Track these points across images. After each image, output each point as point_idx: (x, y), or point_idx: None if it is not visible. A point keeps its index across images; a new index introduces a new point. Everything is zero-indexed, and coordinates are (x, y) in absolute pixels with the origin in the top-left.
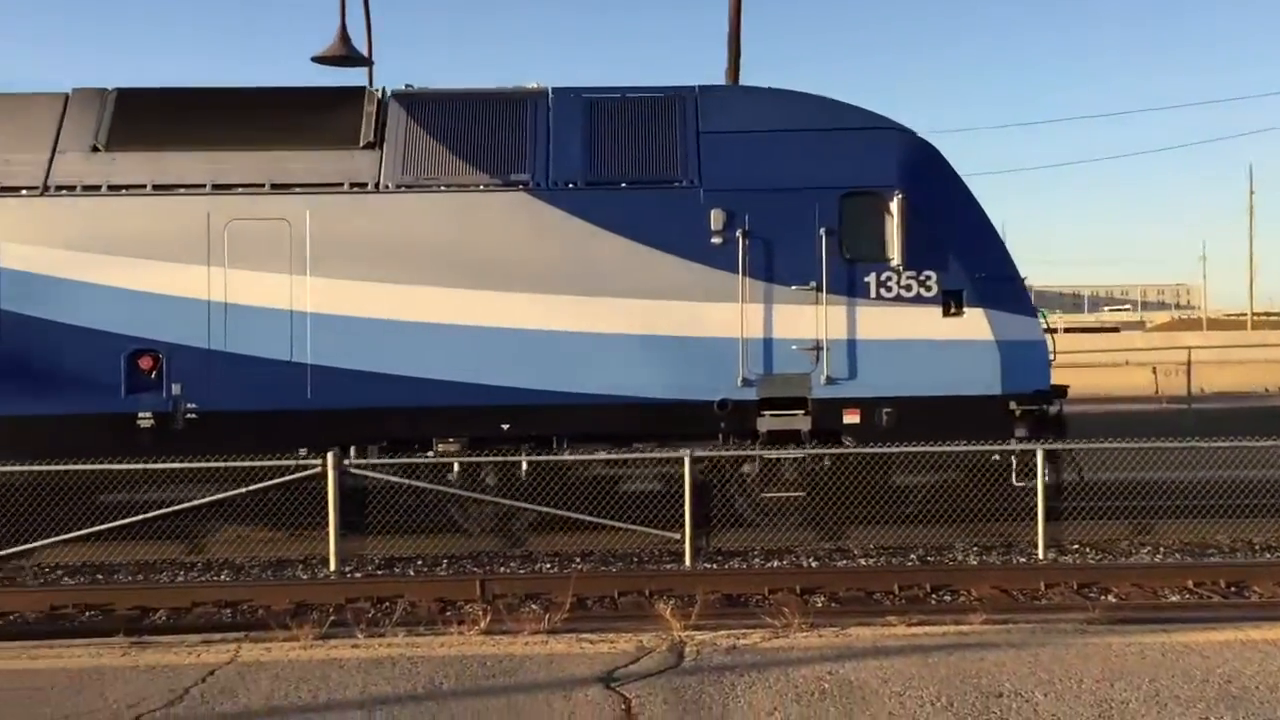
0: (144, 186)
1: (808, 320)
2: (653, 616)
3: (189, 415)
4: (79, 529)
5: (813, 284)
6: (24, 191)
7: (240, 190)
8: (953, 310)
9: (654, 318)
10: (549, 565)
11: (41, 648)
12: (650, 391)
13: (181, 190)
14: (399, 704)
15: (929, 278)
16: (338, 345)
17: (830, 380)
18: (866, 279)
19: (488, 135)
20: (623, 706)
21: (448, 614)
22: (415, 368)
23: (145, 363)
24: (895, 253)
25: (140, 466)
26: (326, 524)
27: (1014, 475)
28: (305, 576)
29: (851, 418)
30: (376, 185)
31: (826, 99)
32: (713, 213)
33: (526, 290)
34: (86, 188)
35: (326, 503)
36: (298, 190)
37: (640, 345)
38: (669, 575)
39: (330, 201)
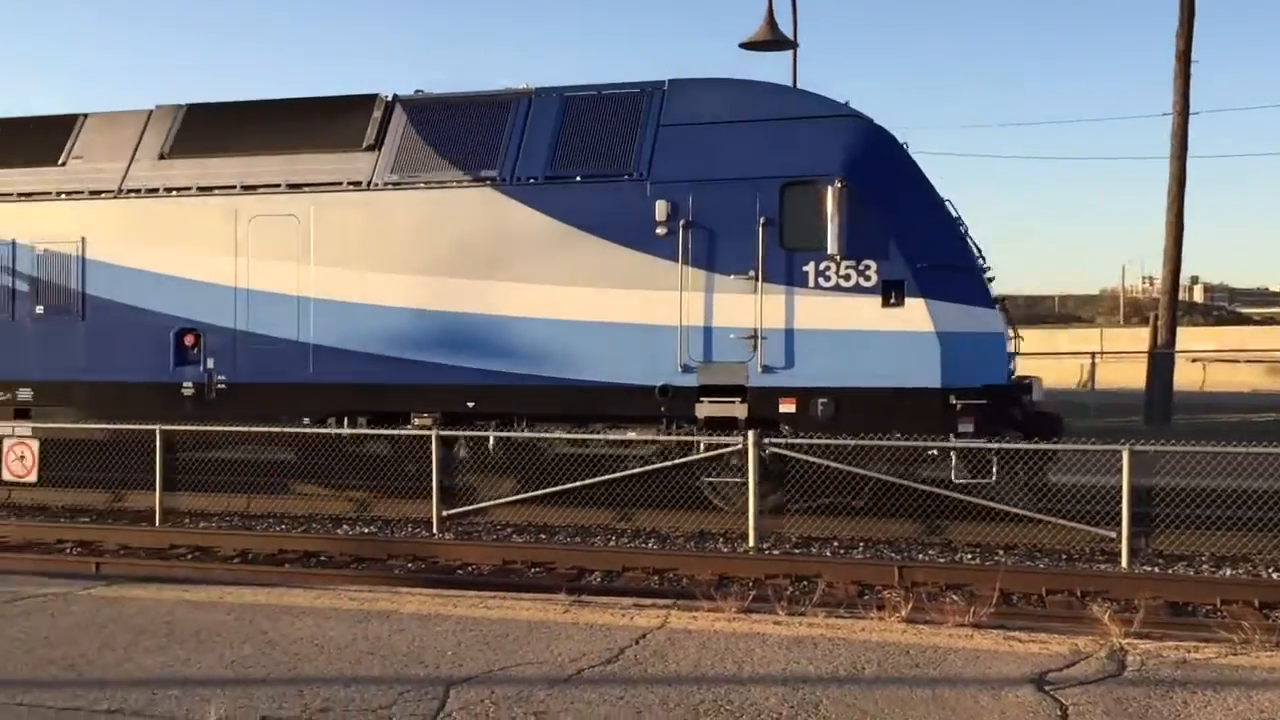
0: (190, 189)
1: (746, 309)
2: (1086, 619)
3: (219, 386)
4: (526, 490)
5: (751, 273)
6: (105, 195)
7: (261, 190)
8: (892, 300)
9: (604, 305)
10: (969, 555)
11: (495, 598)
12: (597, 376)
13: (218, 191)
14: (821, 685)
15: (868, 267)
16: (333, 327)
17: (767, 369)
18: (805, 268)
19: (467, 135)
20: (1059, 712)
21: (865, 598)
22: (392, 348)
23: (189, 340)
24: (833, 242)
25: (599, 436)
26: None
27: (953, 472)
28: (726, 550)
29: (787, 406)
30: (369, 183)
31: (780, 87)
32: (658, 204)
33: (487, 278)
34: (149, 190)
35: (746, 479)
36: (307, 189)
37: (588, 331)
38: (1105, 577)
39: (330, 199)
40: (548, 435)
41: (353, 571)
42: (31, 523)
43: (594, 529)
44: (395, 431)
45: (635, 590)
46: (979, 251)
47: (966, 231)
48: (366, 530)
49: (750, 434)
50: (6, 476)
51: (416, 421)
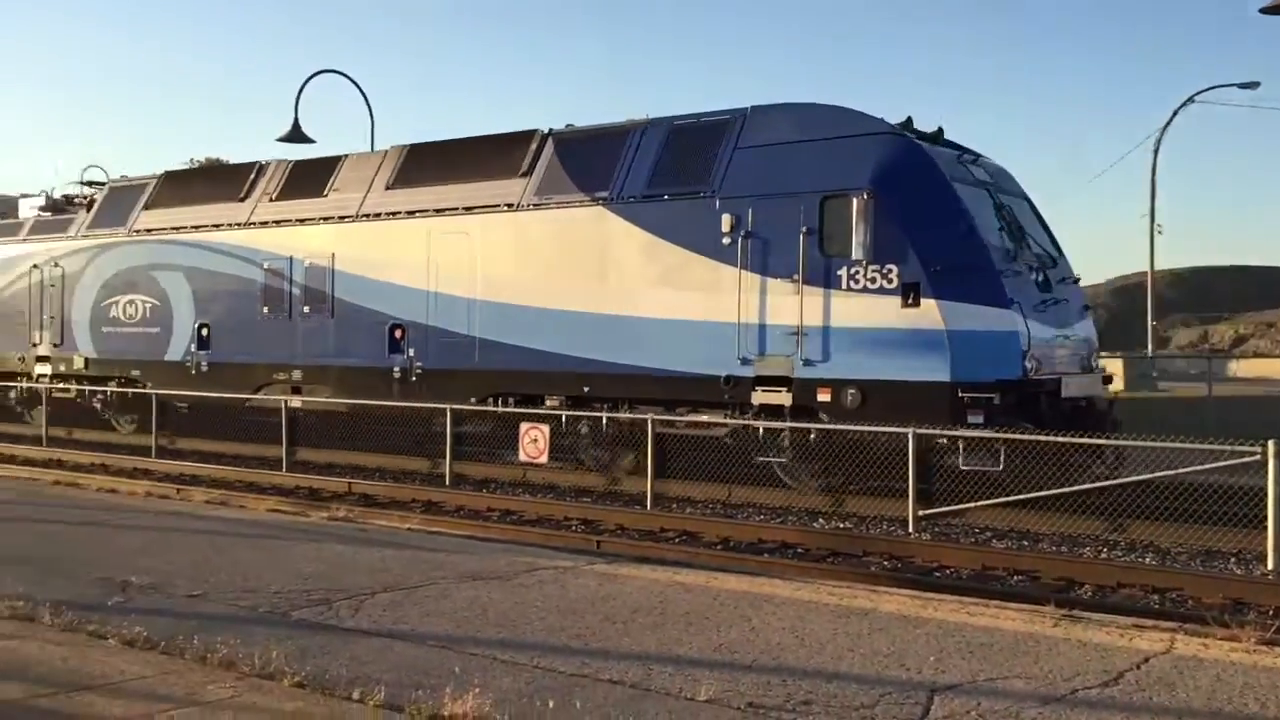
0: (401, 213)
1: (791, 309)
2: None
3: (417, 371)
4: (1008, 494)
5: (795, 277)
6: (348, 219)
7: (446, 212)
8: (910, 301)
9: (683, 305)
10: None
11: (976, 604)
12: (678, 366)
13: (418, 214)
14: None
15: (890, 271)
16: (490, 324)
17: (807, 362)
18: (839, 272)
19: (592, 161)
20: None
21: None
22: (529, 341)
23: (398, 334)
24: (860, 248)
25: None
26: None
27: (961, 459)
28: (1240, 572)
29: (824, 396)
30: (518, 205)
31: (835, 109)
32: (723, 217)
33: (597, 282)
34: (376, 215)
35: (1266, 501)
36: (476, 210)
37: (670, 327)
38: None
39: (492, 218)
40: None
41: (829, 566)
42: (543, 500)
43: (1082, 538)
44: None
45: (1131, 608)
46: (1040, 252)
47: (1013, 235)
48: (841, 525)
49: (1270, 444)
50: (522, 457)
51: (550, 402)
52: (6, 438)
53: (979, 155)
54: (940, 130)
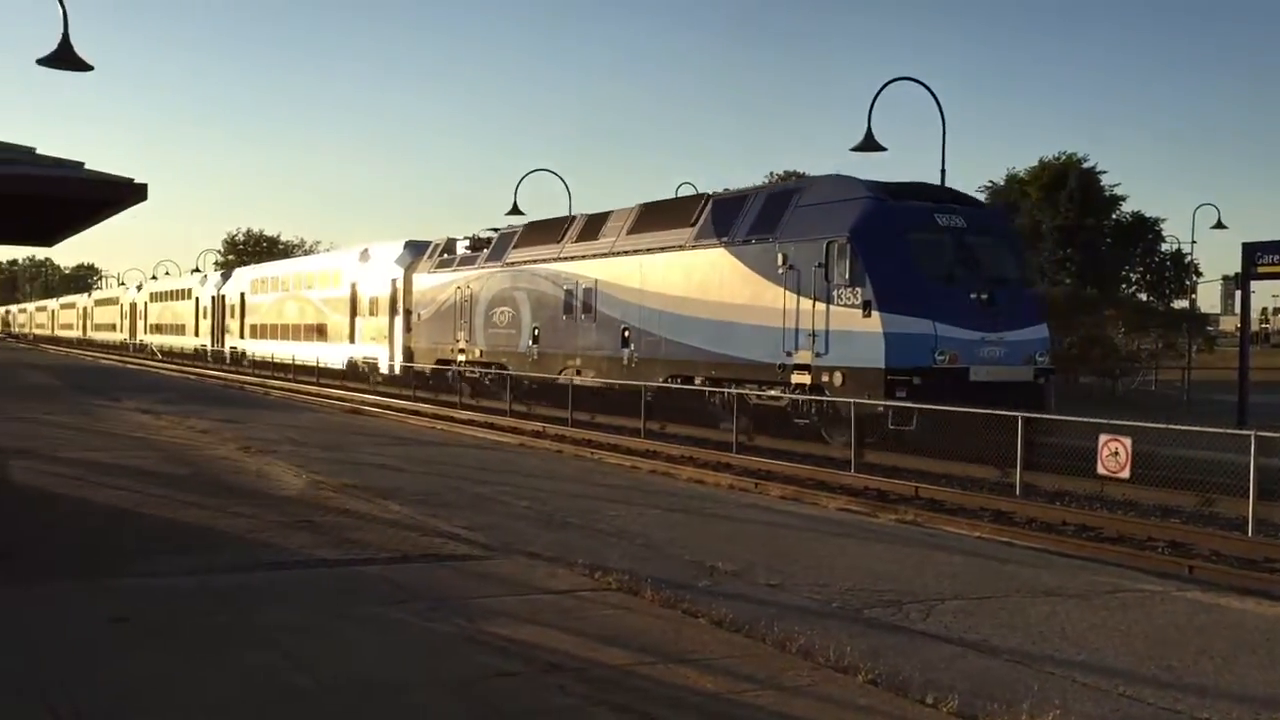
0: (629, 251)
1: (810, 318)
2: None
3: (635, 359)
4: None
5: (813, 295)
6: (602, 256)
7: (649, 251)
8: (866, 313)
9: (758, 313)
10: None
11: None
12: (755, 356)
13: (637, 252)
14: None
15: (857, 291)
16: (669, 327)
17: (818, 355)
18: (834, 293)
19: (723, 216)
20: None
21: None
22: (686, 339)
23: (626, 334)
24: (842, 276)
25: None
26: None
27: (889, 421)
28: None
29: (826, 378)
30: (681, 246)
31: (843, 178)
32: (779, 254)
33: (716, 299)
34: (617, 253)
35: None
36: (664, 250)
37: (751, 329)
38: None
39: (673, 255)
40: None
41: None
42: (1123, 517)
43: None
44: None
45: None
46: (992, 277)
47: (956, 267)
48: None
49: None
50: (1101, 470)
51: (699, 380)
52: (480, 408)
53: (960, 206)
54: (922, 186)
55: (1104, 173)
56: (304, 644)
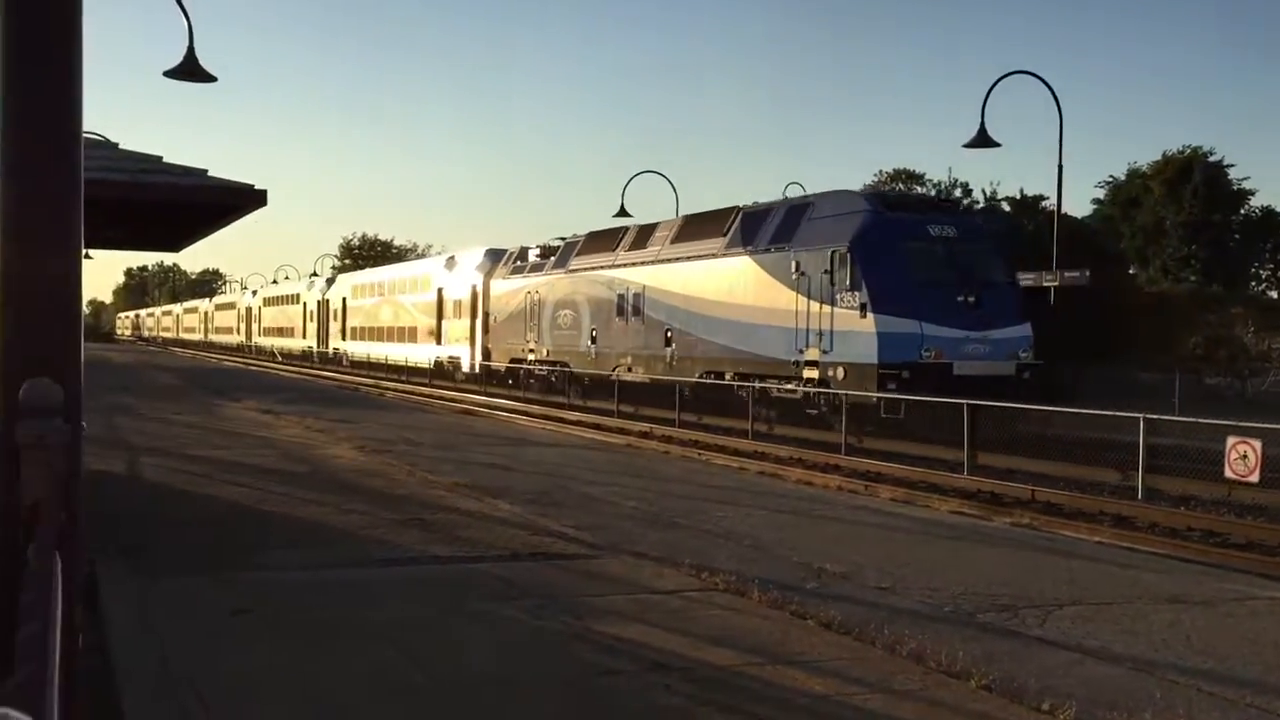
0: (669, 259)
1: (818, 319)
2: None
3: (675, 357)
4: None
5: (820, 299)
6: (649, 263)
7: (685, 259)
8: (863, 314)
9: (775, 315)
10: None
11: None
12: (772, 354)
13: (676, 260)
14: None
15: (856, 295)
16: (702, 327)
17: (824, 351)
18: (838, 296)
19: (748, 228)
20: None
21: None
22: (715, 338)
23: (668, 334)
24: (844, 280)
25: None
26: None
27: (881, 410)
28: None
29: (831, 373)
30: (714, 254)
31: (845, 192)
32: (792, 262)
33: (740, 301)
34: (660, 260)
35: None
36: (699, 258)
37: (768, 329)
38: None
39: (705, 262)
40: None
41: None
42: (1252, 522)
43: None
44: None
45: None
46: (982, 280)
47: (944, 272)
48: None
49: None
50: (1228, 474)
51: (728, 375)
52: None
53: (953, 216)
54: (920, 198)
55: (1231, 166)
56: (416, 639)
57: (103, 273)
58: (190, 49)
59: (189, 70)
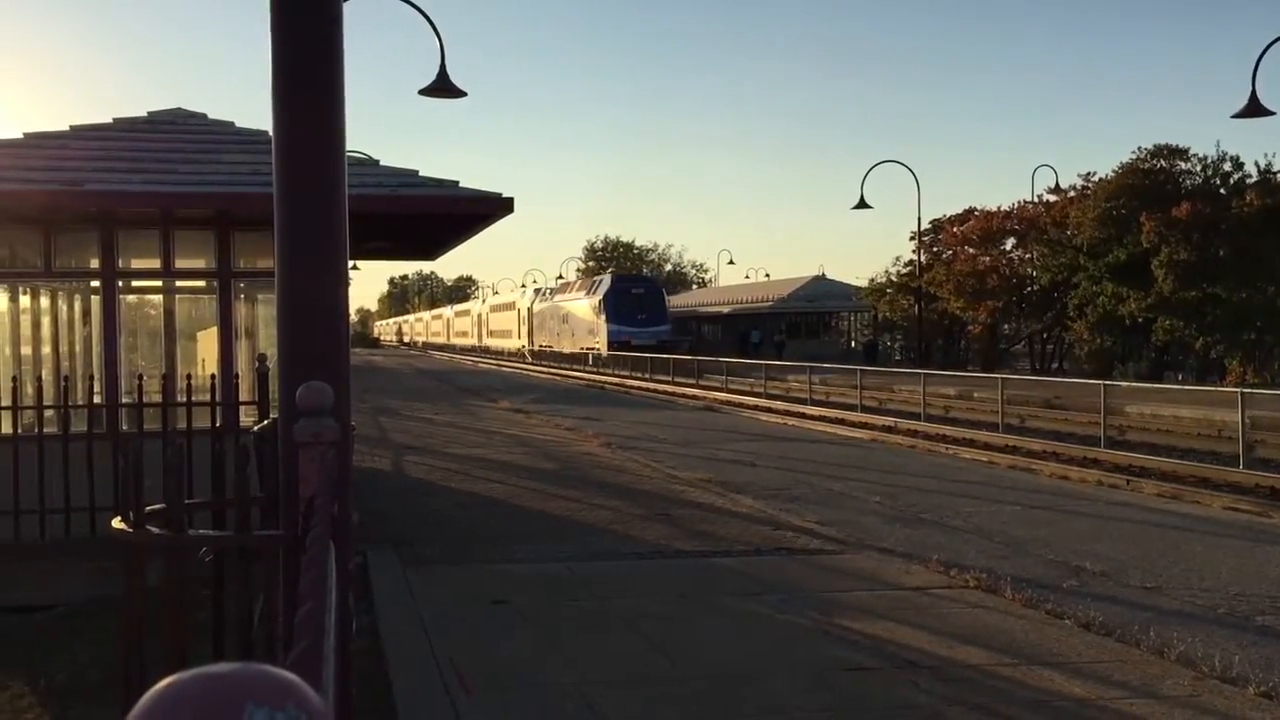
0: (547, 298)
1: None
2: None
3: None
4: None
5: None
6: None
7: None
8: (610, 322)
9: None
10: None
11: None
12: None
13: (550, 295)
14: None
15: (606, 314)
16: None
17: None
18: (601, 317)
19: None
20: None
21: None
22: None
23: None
24: (602, 310)
25: None
26: None
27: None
28: None
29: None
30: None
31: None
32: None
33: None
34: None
35: None
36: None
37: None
38: None
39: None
40: None
41: None
42: None
43: None
44: None
45: None
46: (651, 308)
47: (636, 306)
48: None
49: None
50: None
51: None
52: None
53: (643, 281)
54: (634, 275)
55: None
56: (662, 630)
57: (369, 282)
58: (442, 67)
59: (442, 88)
